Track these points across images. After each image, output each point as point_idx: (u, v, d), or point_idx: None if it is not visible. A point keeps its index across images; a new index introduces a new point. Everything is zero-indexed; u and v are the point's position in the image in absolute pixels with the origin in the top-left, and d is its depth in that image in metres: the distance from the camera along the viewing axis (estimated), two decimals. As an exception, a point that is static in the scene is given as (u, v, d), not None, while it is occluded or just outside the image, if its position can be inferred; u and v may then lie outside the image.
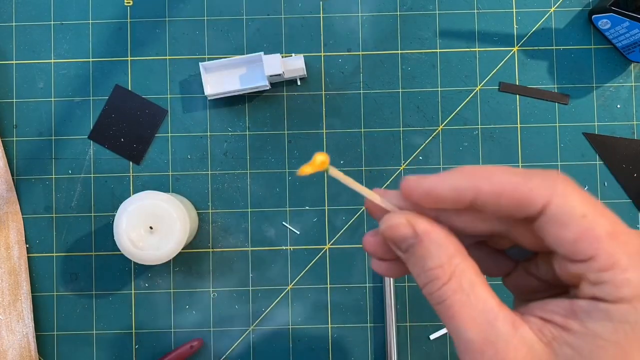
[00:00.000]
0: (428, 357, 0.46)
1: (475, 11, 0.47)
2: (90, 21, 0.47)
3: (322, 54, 0.47)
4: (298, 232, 0.46)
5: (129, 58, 0.47)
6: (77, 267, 0.46)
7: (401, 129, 0.47)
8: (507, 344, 0.22)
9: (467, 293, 0.23)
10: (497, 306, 0.22)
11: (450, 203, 0.24)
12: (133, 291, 0.46)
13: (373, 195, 0.25)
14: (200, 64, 0.45)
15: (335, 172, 0.26)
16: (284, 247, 0.46)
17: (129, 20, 0.47)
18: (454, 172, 0.24)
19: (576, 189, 0.23)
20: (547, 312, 0.23)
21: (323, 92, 0.47)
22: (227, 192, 0.47)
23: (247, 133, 0.47)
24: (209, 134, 0.47)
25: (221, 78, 0.46)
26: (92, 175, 0.47)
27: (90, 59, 0.47)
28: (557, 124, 0.47)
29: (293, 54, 0.47)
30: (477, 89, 0.47)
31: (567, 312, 0.22)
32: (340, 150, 0.47)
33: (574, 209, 0.22)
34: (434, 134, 0.47)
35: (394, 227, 0.24)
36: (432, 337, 0.46)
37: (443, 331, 0.46)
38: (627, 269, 0.22)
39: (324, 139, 0.47)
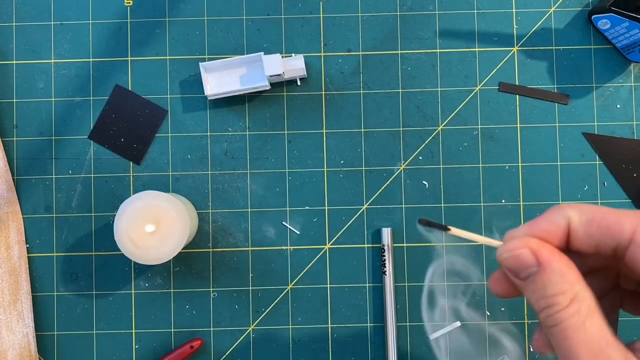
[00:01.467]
0: (428, 357, 0.46)
1: (475, 11, 0.47)
2: (91, 21, 0.47)
3: (322, 54, 0.47)
4: (298, 232, 0.46)
5: (129, 58, 0.47)
6: (77, 267, 0.46)
7: (401, 129, 0.47)
8: None
9: (584, 319, 0.23)
10: (611, 336, 0.23)
11: (552, 236, 0.25)
12: (133, 291, 0.46)
13: (493, 242, 0.27)
14: (200, 64, 0.45)
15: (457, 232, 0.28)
16: (284, 247, 0.46)
17: (129, 20, 0.47)
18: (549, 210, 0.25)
19: None
20: None
21: (323, 92, 0.47)
22: (227, 192, 0.47)
23: (247, 133, 0.47)
24: (209, 134, 0.47)
25: (221, 78, 0.46)
26: (92, 175, 0.47)
27: (91, 59, 0.47)
28: (557, 124, 0.47)
29: (293, 54, 0.47)
30: (477, 89, 0.47)
31: None
32: (340, 150, 0.47)
33: None
34: (434, 134, 0.47)
35: (516, 255, 0.25)
36: (432, 337, 0.46)
37: (443, 331, 0.46)
38: None
39: (324, 139, 0.47)
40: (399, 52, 0.47)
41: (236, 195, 0.47)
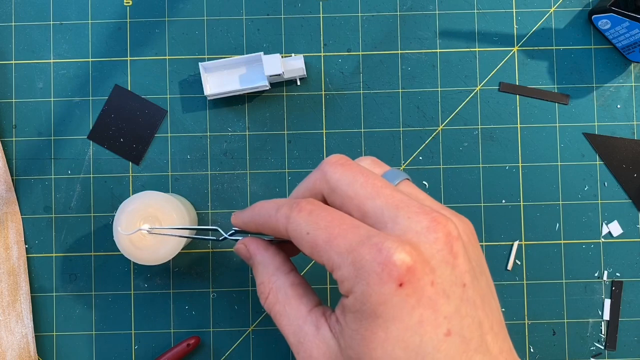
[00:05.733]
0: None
1: (475, 11, 0.47)
2: (90, 21, 0.47)
3: (322, 54, 0.47)
4: (298, 233, 0.46)
5: (128, 58, 0.47)
6: (77, 268, 0.46)
7: (401, 129, 0.47)
8: (311, 343, 0.27)
9: (284, 304, 0.29)
10: (306, 313, 0.28)
11: (251, 227, 0.32)
12: (132, 292, 0.46)
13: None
14: (200, 64, 0.45)
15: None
16: (284, 248, 0.46)
17: (128, 20, 0.47)
18: (249, 208, 0.32)
19: (307, 211, 0.27)
20: (337, 309, 0.27)
21: (323, 92, 0.47)
22: (226, 192, 0.47)
23: (247, 133, 0.47)
24: (208, 134, 0.47)
25: (221, 78, 0.46)
26: (91, 175, 0.47)
27: (90, 59, 0.47)
28: (557, 124, 0.47)
29: (293, 54, 0.47)
30: (477, 89, 0.47)
31: (341, 309, 0.26)
32: (340, 150, 0.47)
33: (300, 228, 0.27)
34: (434, 134, 0.47)
35: (237, 249, 0.32)
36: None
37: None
38: (340, 267, 0.25)
39: (324, 139, 0.47)
40: (399, 52, 0.47)
41: (236, 195, 0.47)
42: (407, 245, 0.24)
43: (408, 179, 0.30)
